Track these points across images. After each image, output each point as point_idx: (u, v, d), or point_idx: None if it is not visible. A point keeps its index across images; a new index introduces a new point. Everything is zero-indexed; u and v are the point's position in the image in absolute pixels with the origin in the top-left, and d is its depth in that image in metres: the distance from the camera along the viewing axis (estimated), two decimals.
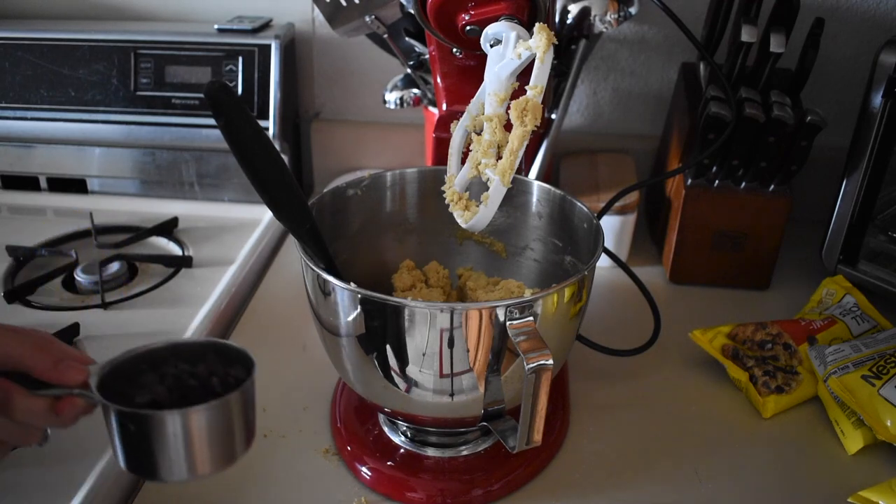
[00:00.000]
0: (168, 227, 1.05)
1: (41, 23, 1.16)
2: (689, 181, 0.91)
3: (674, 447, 0.73)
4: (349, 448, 0.71)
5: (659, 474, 0.70)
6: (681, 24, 0.80)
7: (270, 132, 1.09)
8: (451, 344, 0.58)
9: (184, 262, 0.98)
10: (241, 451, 0.50)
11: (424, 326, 0.57)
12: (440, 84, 0.78)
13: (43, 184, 1.17)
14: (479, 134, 0.63)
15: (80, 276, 0.93)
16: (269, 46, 1.08)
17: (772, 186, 0.90)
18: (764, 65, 0.87)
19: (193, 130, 1.10)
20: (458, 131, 0.67)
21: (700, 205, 0.92)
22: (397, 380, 0.61)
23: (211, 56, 1.09)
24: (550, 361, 0.55)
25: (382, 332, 0.59)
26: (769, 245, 0.93)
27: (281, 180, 0.59)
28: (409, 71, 0.95)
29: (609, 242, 0.96)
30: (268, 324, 0.89)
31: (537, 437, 0.58)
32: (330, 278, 0.59)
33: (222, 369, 0.50)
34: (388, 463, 0.69)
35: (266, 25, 1.11)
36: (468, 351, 0.58)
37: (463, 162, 0.65)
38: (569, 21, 0.93)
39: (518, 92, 0.60)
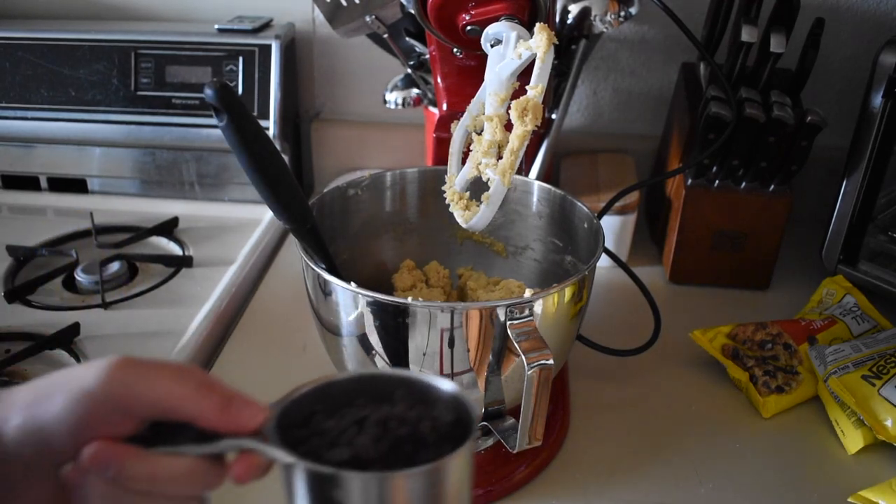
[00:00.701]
0: (168, 227, 1.05)
1: (41, 23, 1.16)
2: (690, 181, 0.91)
3: (674, 447, 0.73)
4: None
5: (659, 474, 0.70)
6: (681, 24, 0.80)
7: (271, 132, 1.09)
8: (451, 344, 0.58)
9: (184, 262, 0.98)
10: None
11: (425, 326, 0.57)
12: (440, 84, 0.78)
13: (43, 184, 1.16)
14: (479, 134, 0.63)
15: (80, 276, 0.93)
16: (269, 46, 1.08)
17: (772, 186, 0.90)
18: (764, 65, 0.87)
19: (194, 130, 1.10)
20: (458, 131, 0.67)
21: (700, 205, 0.92)
22: None
23: (211, 56, 1.09)
24: (551, 361, 0.55)
25: (383, 331, 0.59)
26: (769, 245, 0.93)
27: (281, 180, 0.59)
28: (409, 71, 0.95)
29: (609, 242, 0.96)
30: (268, 324, 0.89)
31: (538, 437, 0.58)
32: (331, 278, 0.59)
33: (424, 410, 0.40)
34: None
35: (266, 25, 1.11)
36: (469, 351, 0.58)
37: (463, 162, 0.65)
38: (569, 21, 0.93)
39: (518, 92, 0.60)
